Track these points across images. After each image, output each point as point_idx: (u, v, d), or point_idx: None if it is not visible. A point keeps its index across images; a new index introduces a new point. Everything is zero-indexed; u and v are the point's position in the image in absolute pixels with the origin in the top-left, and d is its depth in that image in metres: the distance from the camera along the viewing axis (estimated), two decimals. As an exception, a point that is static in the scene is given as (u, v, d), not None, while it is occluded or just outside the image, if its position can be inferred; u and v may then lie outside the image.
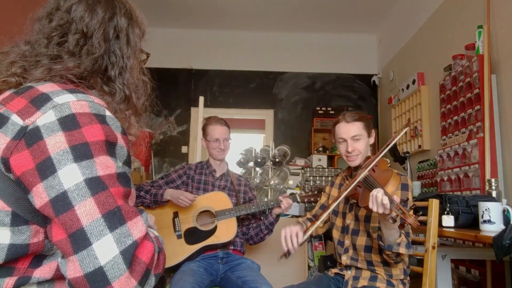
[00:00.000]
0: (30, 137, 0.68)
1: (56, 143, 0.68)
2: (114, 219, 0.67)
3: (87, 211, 0.65)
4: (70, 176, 0.66)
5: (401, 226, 1.30)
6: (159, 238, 0.80)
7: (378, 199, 1.34)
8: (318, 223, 1.58)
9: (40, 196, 0.67)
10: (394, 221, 1.32)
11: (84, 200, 0.66)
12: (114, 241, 0.65)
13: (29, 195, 0.69)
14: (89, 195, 0.66)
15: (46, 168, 0.67)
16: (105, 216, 0.66)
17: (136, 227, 0.69)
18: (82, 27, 0.83)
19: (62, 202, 0.66)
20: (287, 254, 1.54)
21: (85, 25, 0.83)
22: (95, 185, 0.67)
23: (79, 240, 0.64)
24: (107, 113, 0.75)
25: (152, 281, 0.71)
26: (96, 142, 0.70)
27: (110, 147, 0.72)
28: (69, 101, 0.72)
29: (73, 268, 0.64)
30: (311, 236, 2.83)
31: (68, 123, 0.69)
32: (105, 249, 0.64)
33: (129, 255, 0.66)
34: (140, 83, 0.93)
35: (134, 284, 0.66)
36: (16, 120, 0.70)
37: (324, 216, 1.58)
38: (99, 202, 0.66)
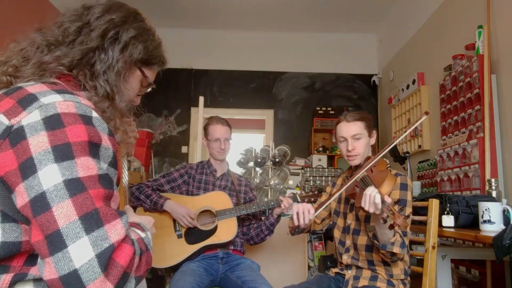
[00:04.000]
0: (15, 136, 0.69)
1: (38, 143, 0.68)
2: (91, 221, 0.66)
3: (64, 213, 0.65)
4: (49, 176, 0.66)
5: (391, 226, 1.32)
6: (144, 240, 0.78)
7: (371, 198, 1.37)
8: (329, 201, 1.63)
9: (21, 196, 0.67)
10: (385, 221, 1.35)
11: (62, 202, 0.65)
12: (90, 244, 0.64)
13: (13, 195, 0.69)
14: (67, 197, 0.66)
15: (28, 168, 0.67)
16: (82, 218, 0.65)
17: (114, 230, 0.68)
18: (89, 19, 0.87)
19: (40, 203, 0.65)
20: (296, 229, 1.64)
21: (93, 19, 0.87)
22: (74, 186, 0.67)
23: (55, 242, 0.64)
24: (94, 114, 0.75)
25: (132, 284, 0.70)
26: (79, 142, 0.70)
27: (93, 148, 0.72)
28: (55, 101, 0.72)
29: (49, 270, 0.64)
30: (311, 233, 2.83)
31: (52, 122, 0.69)
32: (81, 252, 0.64)
33: (105, 258, 0.65)
34: (125, 90, 0.91)
35: (109, 287, 0.65)
36: (2, 119, 0.70)
37: (329, 202, 1.64)
38: (76, 204, 0.66)
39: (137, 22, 0.92)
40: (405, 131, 1.65)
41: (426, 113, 1.62)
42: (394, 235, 1.47)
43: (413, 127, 1.61)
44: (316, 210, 1.67)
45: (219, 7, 4.59)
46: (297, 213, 1.65)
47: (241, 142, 4.77)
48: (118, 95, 0.88)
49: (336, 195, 1.63)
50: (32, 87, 0.75)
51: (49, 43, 0.84)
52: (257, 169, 3.27)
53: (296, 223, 1.66)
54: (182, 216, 2.05)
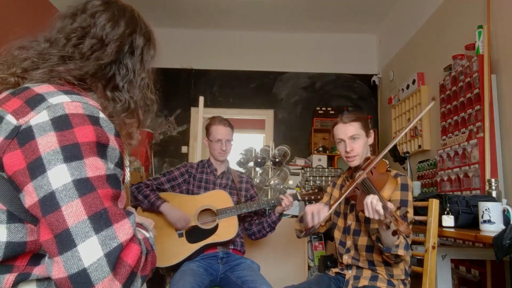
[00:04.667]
0: (23, 136, 0.69)
1: (47, 143, 0.68)
2: (100, 221, 0.66)
3: (73, 212, 0.65)
4: (59, 176, 0.67)
5: (394, 233, 1.32)
6: (149, 240, 0.79)
7: (373, 206, 1.37)
8: (341, 199, 1.61)
9: (30, 195, 0.67)
10: (388, 227, 1.35)
11: (71, 201, 0.66)
12: (99, 243, 0.65)
13: (21, 194, 0.70)
14: (76, 196, 0.66)
15: (36, 168, 0.67)
16: (91, 217, 0.66)
17: (123, 230, 0.68)
18: (101, 34, 0.87)
19: (49, 202, 0.66)
20: (310, 230, 1.63)
21: (105, 34, 0.87)
22: (83, 186, 0.67)
23: (64, 241, 0.64)
24: (101, 115, 0.76)
25: (138, 283, 0.71)
26: (87, 143, 0.70)
27: (101, 148, 0.73)
28: (63, 101, 0.72)
29: (58, 269, 0.64)
30: (313, 233, 2.84)
31: (61, 123, 0.70)
32: (90, 251, 0.64)
33: (114, 257, 0.66)
34: (147, 100, 0.95)
35: (118, 286, 0.66)
36: (10, 119, 0.71)
37: (338, 202, 1.61)
38: (86, 203, 0.66)
39: (144, 28, 0.95)
40: (414, 119, 1.64)
41: (433, 99, 1.60)
42: (398, 238, 1.47)
43: (424, 112, 1.58)
44: (329, 208, 1.65)
45: (220, 7, 4.59)
46: (312, 214, 1.62)
47: (241, 142, 4.77)
48: (140, 107, 0.91)
49: (342, 197, 1.62)
50: (39, 88, 0.76)
51: (62, 55, 0.84)
52: (257, 169, 3.27)
53: (310, 224, 1.63)
54: (177, 220, 2.06)
